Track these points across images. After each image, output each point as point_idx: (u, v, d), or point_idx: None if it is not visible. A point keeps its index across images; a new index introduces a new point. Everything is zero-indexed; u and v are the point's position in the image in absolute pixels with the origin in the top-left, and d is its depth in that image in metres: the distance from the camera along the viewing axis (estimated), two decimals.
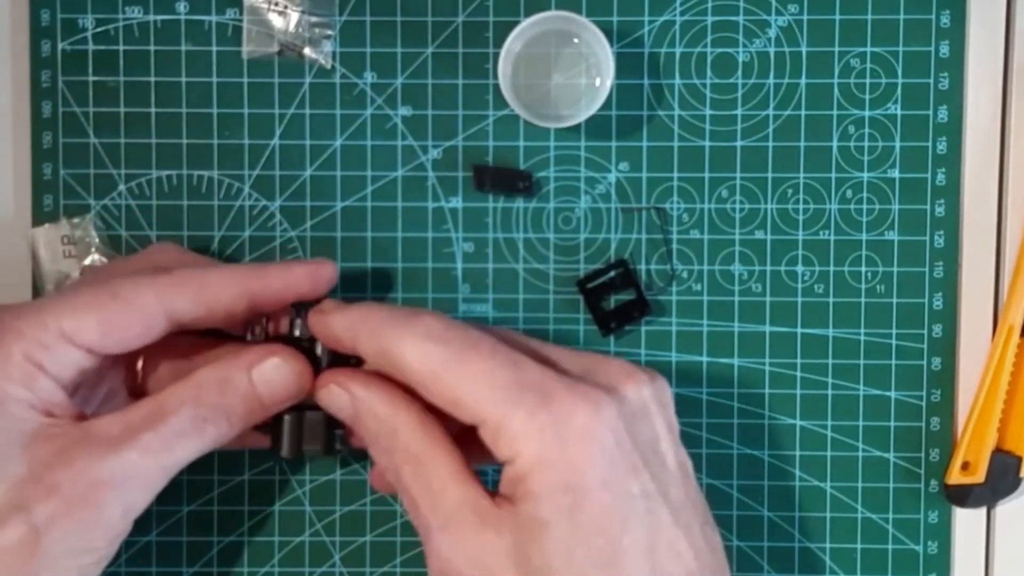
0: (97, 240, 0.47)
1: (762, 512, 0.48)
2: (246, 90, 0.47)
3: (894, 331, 0.47)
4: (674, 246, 0.47)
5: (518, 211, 0.47)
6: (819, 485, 0.48)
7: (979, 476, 0.47)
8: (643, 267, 0.47)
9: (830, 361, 0.47)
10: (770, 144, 0.47)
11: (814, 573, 0.48)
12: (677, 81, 0.47)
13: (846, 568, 0.48)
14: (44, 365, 0.38)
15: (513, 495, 0.36)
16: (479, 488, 0.37)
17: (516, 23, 0.44)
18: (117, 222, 0.47)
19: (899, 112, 0.47)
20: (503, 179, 0.47)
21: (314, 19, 0.47)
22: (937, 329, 0.47)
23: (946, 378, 0.48)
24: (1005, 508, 0.48)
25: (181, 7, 0.47)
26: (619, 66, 0.46)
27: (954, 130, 0.47)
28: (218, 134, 0.47)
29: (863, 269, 0.47)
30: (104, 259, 0.47)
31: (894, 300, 0.47)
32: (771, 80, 0.47)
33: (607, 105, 0.46)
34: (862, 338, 0.47)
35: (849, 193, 0.47)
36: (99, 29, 0.47)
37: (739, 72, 0.47)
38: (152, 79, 0.47)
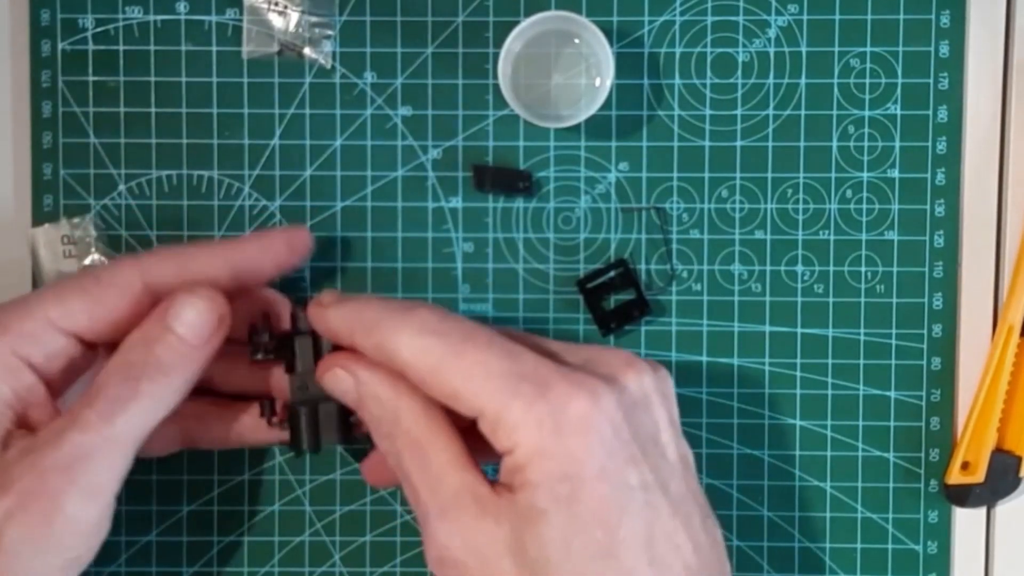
0: (97, 240, 0.47)
1: (762, 512, 0.48)
2: (246, 90, 0.47)
3: (894, 331, 0.47)
4: (674, 246, 0.47)
5: (518, 211, 0.47)
6: (819, 485, 0.48)
7: (979, 476, 0.47)
8: (643, 267, 0.47)
9: (830, 361, 0.47)
10: (770, 144, 0.47)
11: (814, 573, 0.48)
12: (677, 81, 0.47)
13: (846, 568, 0.48)
14: (31, 358, 0.39)
15: (512, 484, 0.36)
16: (479, 476, 0.37)
17: (516, 23, 0.44)
18: (117, 222, 0.47)
19: (899, 112, 0.47)
20: (503, 179, 0.47)
21: (314, 19, 0.47)
22: (937, 329, 0.47)
23: (946, 378, 0.48)
24: (1005, 508, 0.48)
25: (181, 7, 0.47)
26: (619, 66, 0.46)
27: (954, 130, 0.47)
28: (218, 134, 0.47)
29: (863, 269, 0.47)
30: (104, 259, 0.47)
31: (894, 300, 0.47)
32: (771, 80, 0.47)
33: (607, 105, 0.46)
34: (862, 338, 0.47)
35: (849, 193, 0.47)
36: (99, 29, 0.47)
37: (739, 72, 0.47)
38: (152, 79, 0.47)
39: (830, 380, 0.47)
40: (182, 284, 0.40)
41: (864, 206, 0.47)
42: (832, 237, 0.47)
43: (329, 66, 0.47)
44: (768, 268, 0.47)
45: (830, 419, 0.47)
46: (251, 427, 0.44)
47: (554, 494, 0.35)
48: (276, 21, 0.47)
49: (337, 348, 0.41)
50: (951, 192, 0.47)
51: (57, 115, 0.47)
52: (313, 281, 0.47)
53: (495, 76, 0.46)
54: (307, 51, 0.47)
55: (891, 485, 0.48)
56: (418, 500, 0.38)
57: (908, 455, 0.48)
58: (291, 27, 0.47)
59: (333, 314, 0.40)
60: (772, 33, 0.47)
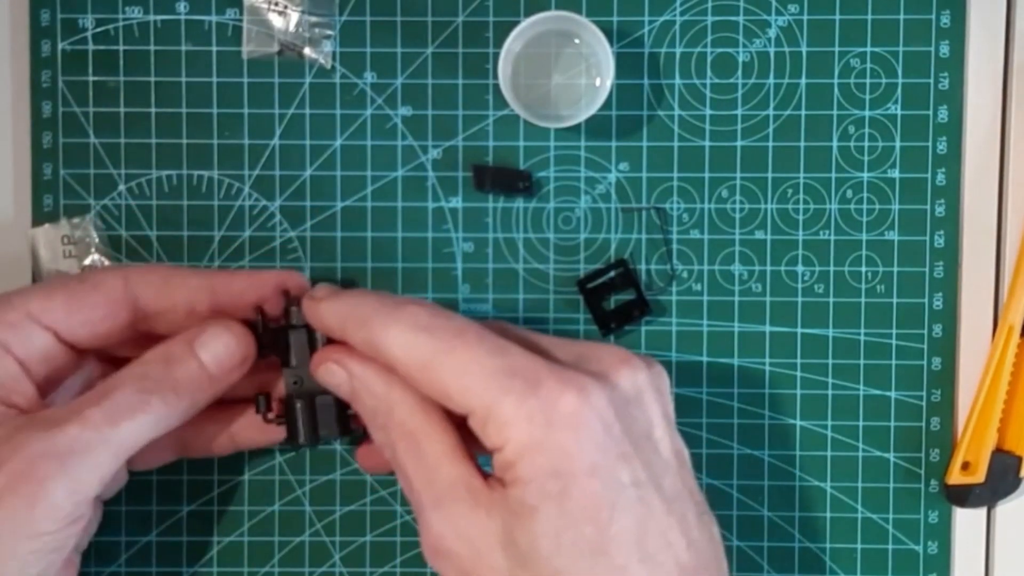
0: (97, 240, 0.47)
1: (762, 512, 0.48)
2: (246, 90, 0.47)
3: (894, 331, 0.47)
4: (674, 246, 0.47)
5: (518, 211, 0.47)
6: (819, 485, 0.48)
7: (979, 476, 0.47)
8: (643, 267, 0.47)
9: (830, 361, 0.47)
10: (770, 144, 0.47)
11: (814, 573, 0.48)
12: (677, 81, 0.47)
13: (846, 568, 0.48)
14: (9, 346, 0.39)
15: (503, 480, 0.36)
16: (472, 468, 0.37)
17: (516, 23, 0.44)
18: (117, 222, 0.47)
19: (899, 112, 0.47)
20: (503, 179, 0.47)
21: (314, 19, 0.47)
22: (937, 329, 0.47)
23: (946, 378, 0.48)
24: (1005, 508, 0.48)
25: (181, 7, 0.47)
26: (619, 66, 0.46)
27: (954, 130, 0.47)
28: (218, 134, 0.47)
29: (863, 269, 0.47)
30: (104, 259, 0.47)
31: (894, 300, 0.47)
32: (771, 80, 0.47)
33: (607, 105, 0.46)
34: (862, 338, 0.47)
35: (849, 193, 0.47)
36: (99, 29, 0.47)
37: (739, 72, 0.47)
38: (152, 79, 0.47)
39: (830, 380, 0.47)
40: (162, 300, 0.41)
41: (864, 206, 0.47)
42: (832, 237, 0.47)
43: (329, 66, 0.47)
44: (768, 268, 0.47)
45: (830, 419, 0.47)
46: (246, 427, 0.44)
47: (544, 491, 0.35)
48: (276, 21, 0.47)
49: (332, 341, 0.41)
50: (951, 192, 0.47)
51: (57, 115, 0.47)
52: (313, 281, 0.47)
53: (495, 76, 0.46)
54: (307, 51, 0.47)
55: (891, 485, 0.48)
56: (413, 491, 0.38)
57: (908, 455, 0.48)
58: (291, 27, 0.47)
59: (326, 308, 0.40)
60: (772, 33, 0.47)
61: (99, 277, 0.41)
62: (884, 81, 0.47)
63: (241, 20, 0.47)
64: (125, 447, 0.38)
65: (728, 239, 0.47)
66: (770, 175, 0.47)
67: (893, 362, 0.47)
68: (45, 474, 0.37)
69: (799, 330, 0.47)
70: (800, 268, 0.47)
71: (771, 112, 0.47)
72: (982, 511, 0.48)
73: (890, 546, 0.48)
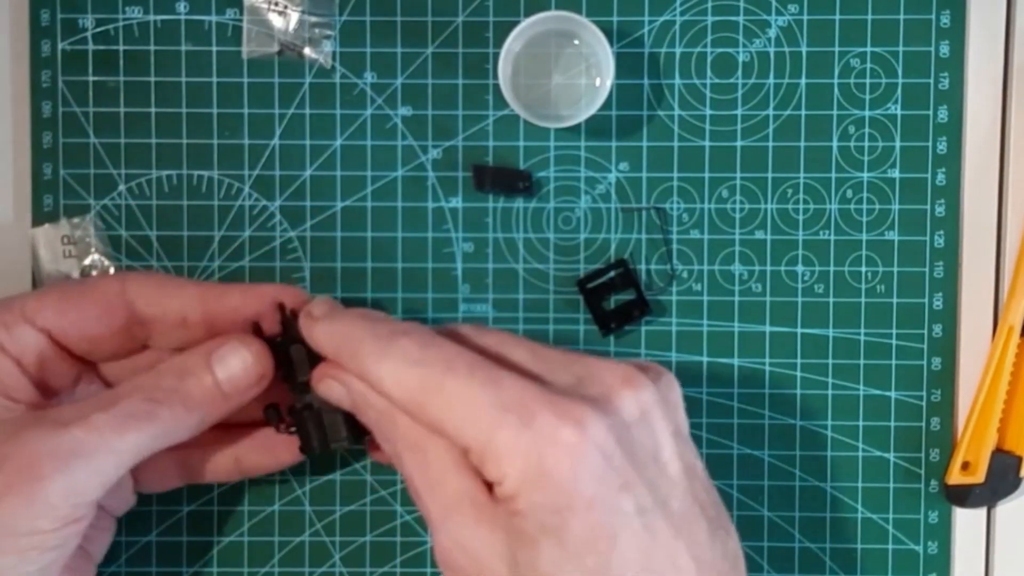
0: (97, 240, 0.47)
1: (762, 512, 0.48)
2: (246, 90, 0.47)
3: (894, 331, 0.47)
4: (674, 246, 0.47)
5: (518, 211, 0.47)
6: (819, 485, 0.48)
7: (979, 476, 0.47)
8: (643, 267, 0.47)
9: (830, 361, 0.47)
10: (770, 144, 0.47)
11: (814, 573, 0.48)
12: (677, 81, 0.47)
13: (846, 568, 0.48)
14: (3, 344, 0.39)
15: (505, 509, 0.36)
16: (478, 481, 0.37)
17: (516, 23, 0.44)
18: (117, 222, 0.47)
19: (899, 112, 0.47)
20: (503, 179, 0.47)
21: (314, 19, 0.47)
22: (937, 329, 0.47)
23: (946, 378, 0.48)
24: (1005, 508, 0.48)
25: (181, 7, 0.47)
26: (619, 66, 0.46)
27: (954, 130, 0.47)
28: (218, 134, 0.47)
29: (863, 269, 0.47)
30: (104, 259, 0.47)
31: (894, 300, 0.47)
32: (771, 80, 0.47)
33: (607, 105, 0.46)
34: (862, 338, 0.47)
35: (849, 193, 0.47)
36: (99, 29, 0.47)
37: (739, 72, 0.47)
38: (152, 79, 0.47)
39: (830, 380, 0.47)
40: (154, 306, 0.40)
41: (864, 206, 0.47)
42: (832, 237, 0.47)
43: (329, 66, 0.47)
44: (768, 268, 0.47)
45: (830, 419, 0.47)
46: (252, 451, 0.44)
47: (543, 525, 0.35)
48: (276, 21, 0.47)
49: None
50: (951, 192, 0.47)
51: (57, 115, 0.47)
52: (313, 281, 0.47)
53: (495, 76, 0.46)
54: (307, 51, 0.47)
55: (891, 485, 0.48)
56: (421, 502, 0.38)
57: (908, 455, 0.48)
58: (291, 27, 0.47)
59: (319, 333, 0.39)
60: (772, 33, 0.47)
61: (95, 280, 0.41)
62: (884, 81, 0.47)
63: (241, 20, 0.47)
64: (129, 455, 0.38)
65: (728, 239, 0.47)
66: (770, 175, 0.47)
67: (893, 362, 0.47)
68: (43, 473, 0.37)
69: (799, 330, 0.47)
70: (800, 268, 0.47)
71: (771, 112, 0.47)
72: (982, 511, 0.48)
73: (890, 546, 0.48)
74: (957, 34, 0.47)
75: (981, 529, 0.48)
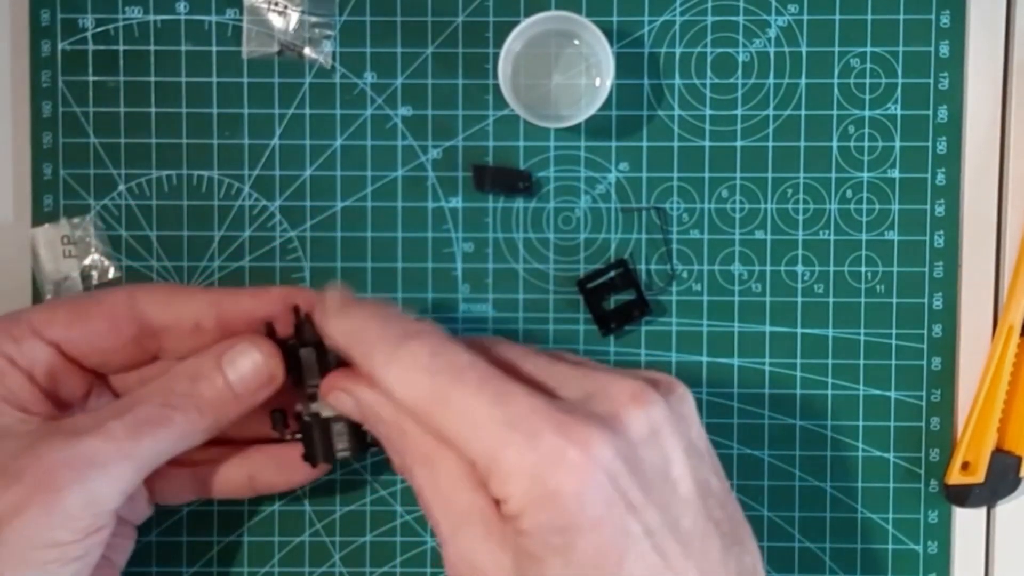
0: (97, 240, 0.47)
1: (762, 512, 0.48)
2: (246, 90, 0.47)
3: (894, 331, 0.47)
4: (674, 246, 0.47)
5: (518, 211, 0.47)
6: (819, 485, 0.48)
7: (979, 476, 0.47)
8: (643, 267, 0.47)
9: (830, 361, 0.47)
10: (770, 144, 0.47)
11: (814, 573, 0.48)
12: (677, 81, 0.47)
13: (846, 568, 0.48)
14: (14, 358, 0.39)
15: (512, 527, 0.35)
16: (487, 497, 0.36)
17: (516, 23, 0.44)
18: (117, 222, 0.47)
19: (899, 112, 0.47)
20: (503, 179, 0.47)
21: (314, 19, 0.47)
22: (937, 329, 0.47)
23: (946, 378, 0.48)
24: (1005, 508, 0.48)
25: (181, 7, 0.47)
26: (619, 66, 0.46)
27: (954, 130, 0.47)
28: (218, 134, 0.47)
29: (863, 269, 0.47)
30: (104, 259, 0.47)
31: (894, 300, 0.47)
32: (771, 80, 0.47)
33: (607, 105, 0.46)
34: (862, 338, 0.47)
35: (849, 193, 0.47)
36: (99, 29, 0.47)
37: (739, 72, 0.47)
38: (152, 79, 0.47)
39: (830, 380, 0.47)
40: (167, 315, 0.40)
41: (864, 206, 0.47)
42: (832, 237, 0.47)
43: (329, 66, 0.47)
44: (768, 268, 0.47)
45: (830, 419, 0.47)
46: (265, 467, 0.43)
47: (548, 545, 0.34)
48: (276, 21, 0.47)
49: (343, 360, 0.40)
50: (951, 192, 0.47)
51: (57, 115, 0.47)
52: (313, 281, 0.47)
53: (495, 76, 0.46)
54: (307, 51, 0.47)
55: (891, 485, 0.48)
56: (430, 515, 0.37)
57: (908, 455, 0.48)
58: (291, 27, 0.47)
59: (333, 328, 0.39)
60: (772, 33, 0.47)
61: (104, 292, 0.41)
62: (884, 81, 0.47)
63: (241, 20, 0.47)
64: (146, 461, 0.38)
65: (728, 239, 0.47)
66: (770, 175, 0.47)
67: (893, 362, 0.47)
68: (61, 484, 0.36)
69: (799, 330, 0.47)
70: (800, 268, 0.47)
71: (771, 112, 0.47)
72: (982, 511, 0.48)
73: (890, 546, 0.48)
74: (957, 34, 0.47)
75: (981, 529, 0.48)
